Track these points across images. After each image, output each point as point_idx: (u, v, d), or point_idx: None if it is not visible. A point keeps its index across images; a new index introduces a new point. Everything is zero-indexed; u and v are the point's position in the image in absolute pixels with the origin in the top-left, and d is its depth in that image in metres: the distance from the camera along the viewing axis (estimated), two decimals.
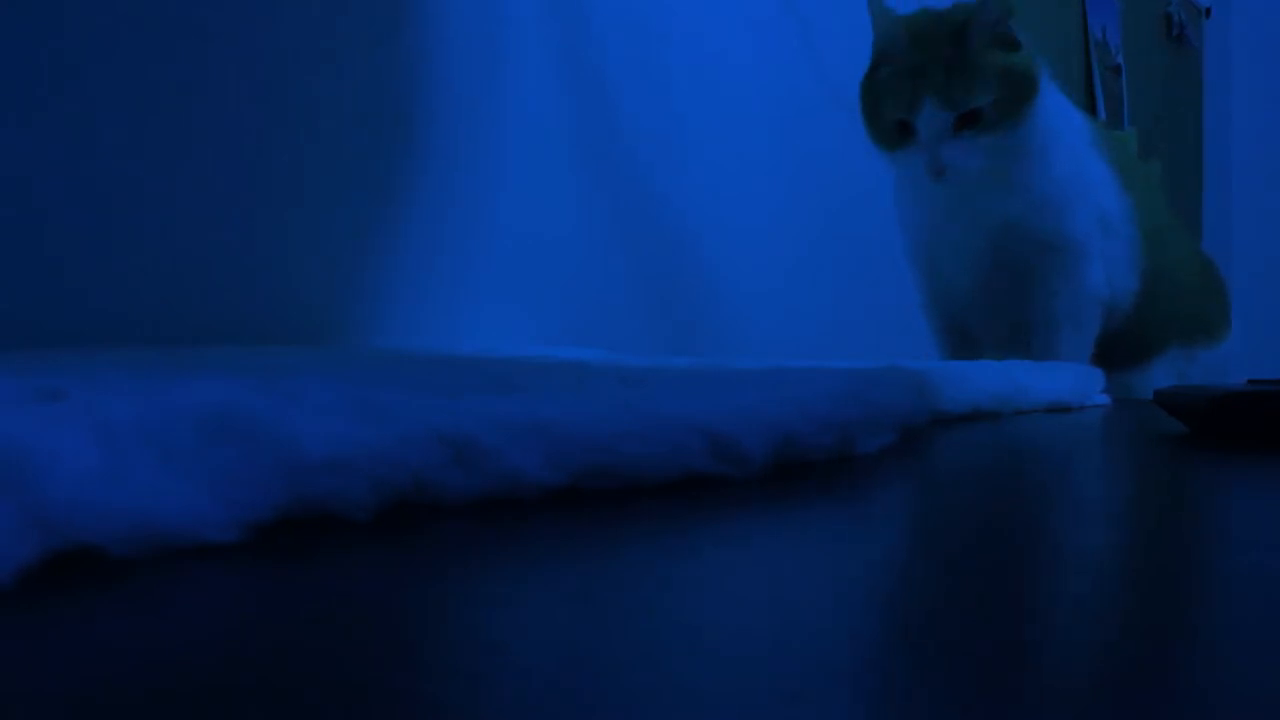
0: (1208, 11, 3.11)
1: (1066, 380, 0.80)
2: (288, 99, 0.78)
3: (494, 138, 0.95)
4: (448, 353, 0.68)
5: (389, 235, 0.86)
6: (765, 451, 0.35)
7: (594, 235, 1.07)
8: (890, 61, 0.96)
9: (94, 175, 0.67)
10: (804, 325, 1.33)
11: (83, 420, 0.22)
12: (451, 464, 0.28)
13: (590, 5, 1.07)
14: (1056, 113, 0.99)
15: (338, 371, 0.41)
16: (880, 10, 0.97)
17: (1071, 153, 0.99)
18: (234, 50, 0.74)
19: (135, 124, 0.69)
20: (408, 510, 0.27)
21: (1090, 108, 2.29)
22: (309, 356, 0.55)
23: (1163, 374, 1.09)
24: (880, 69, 0.97)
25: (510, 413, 0.29)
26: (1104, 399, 0.89)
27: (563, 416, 0.30)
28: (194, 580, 0.21)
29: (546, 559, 0.24)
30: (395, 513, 0.27)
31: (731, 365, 0.62)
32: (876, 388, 0.44)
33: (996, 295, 1.02)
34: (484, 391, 0.31)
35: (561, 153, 1.03)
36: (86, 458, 0.21)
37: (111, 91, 0.68)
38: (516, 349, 0.82)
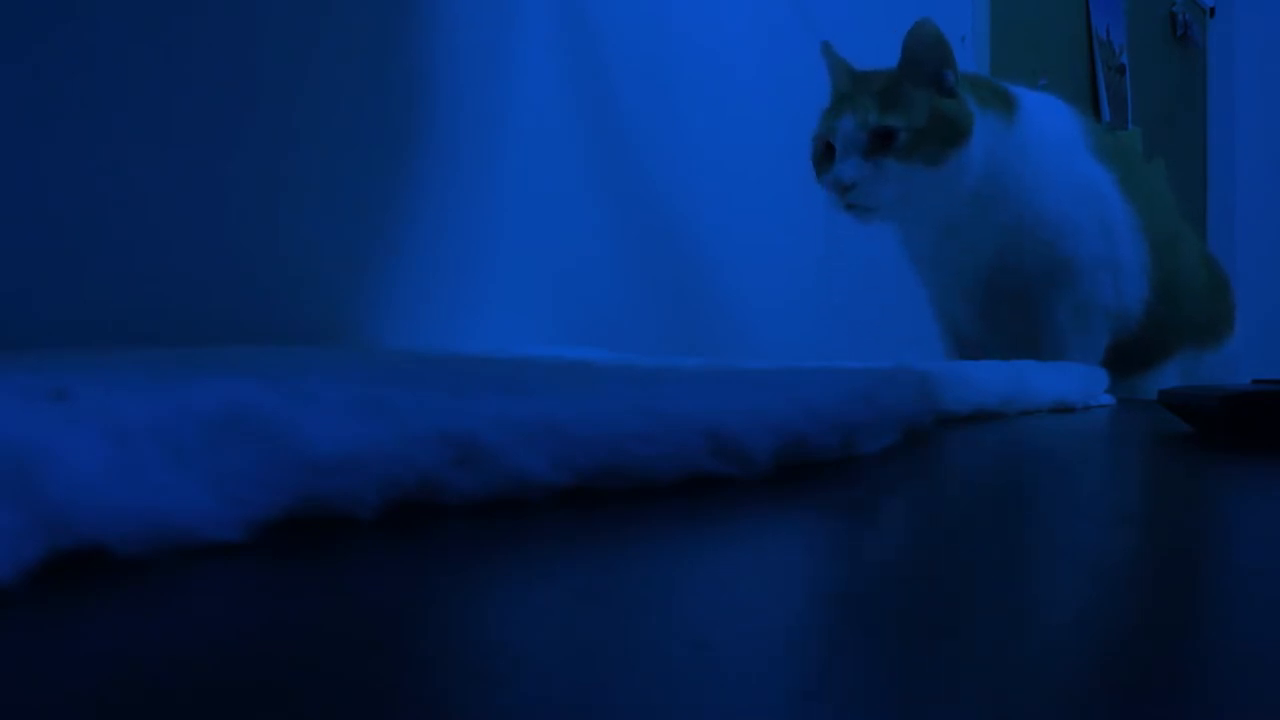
0: (1211, 11, 3.11)
1: (1071, 381, 0.80)
2: (295, 100, 0.78)
3: (501, 138, 0.95)
4: (455, 353, 0.68)
5: (397, 236, 0.86)
6: (771, 452, 0.35)
7: (602, 235, 1.07)
8: (835, 94, 0.97)
9: (104, 177, 0.67)
10: (811, 326, 1.32)
11: (92, 420, 0.22)
12: (459, 464, 0.28)
13: (597, 6, 1.07)
14: (1040, 133, 0.98)
15: (346, 371, 0.41)
16: (831, 55, 0.98)
17: (1062, 170, 0.98)
18: (243, 53, 0.74)
19: (144, 126, 0.69)
20: (415, 510, 0.27)
21: (1094, 108, 2.29)
22: (318, 356, 0.55)
23: (1171, 377, 1.08)
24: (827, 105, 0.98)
25: (517, 413, 0.29)
26: (1109, 399, 0.88)
27: (570, 417, 0.30)
28: (202, 579, 0.21)
29: (553, 558, 0.24)
30: (403, 513, 0.27)
31: (738, 366, 0.62)
32: (883, 389, 0.44)
33: (999, 317, 1.01)
34: (491, 391, 0.31)
35: (569, 153, 1.03)
36: (96, 457, 0.21)
37: (121, 94, 0.68)
38: (524, 349, 0.82)
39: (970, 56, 1.71)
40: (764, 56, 1.31)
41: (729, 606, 0.19)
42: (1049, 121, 1.00)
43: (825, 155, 0.95)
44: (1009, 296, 0.99)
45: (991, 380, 0.68)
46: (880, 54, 0.98)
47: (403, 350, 0.72)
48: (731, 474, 0.34)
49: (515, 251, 0.96)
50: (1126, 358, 1.02)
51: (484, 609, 0.19)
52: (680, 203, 1.17)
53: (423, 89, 0.88)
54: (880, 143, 0.91)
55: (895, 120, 0.91)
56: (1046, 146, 0.98)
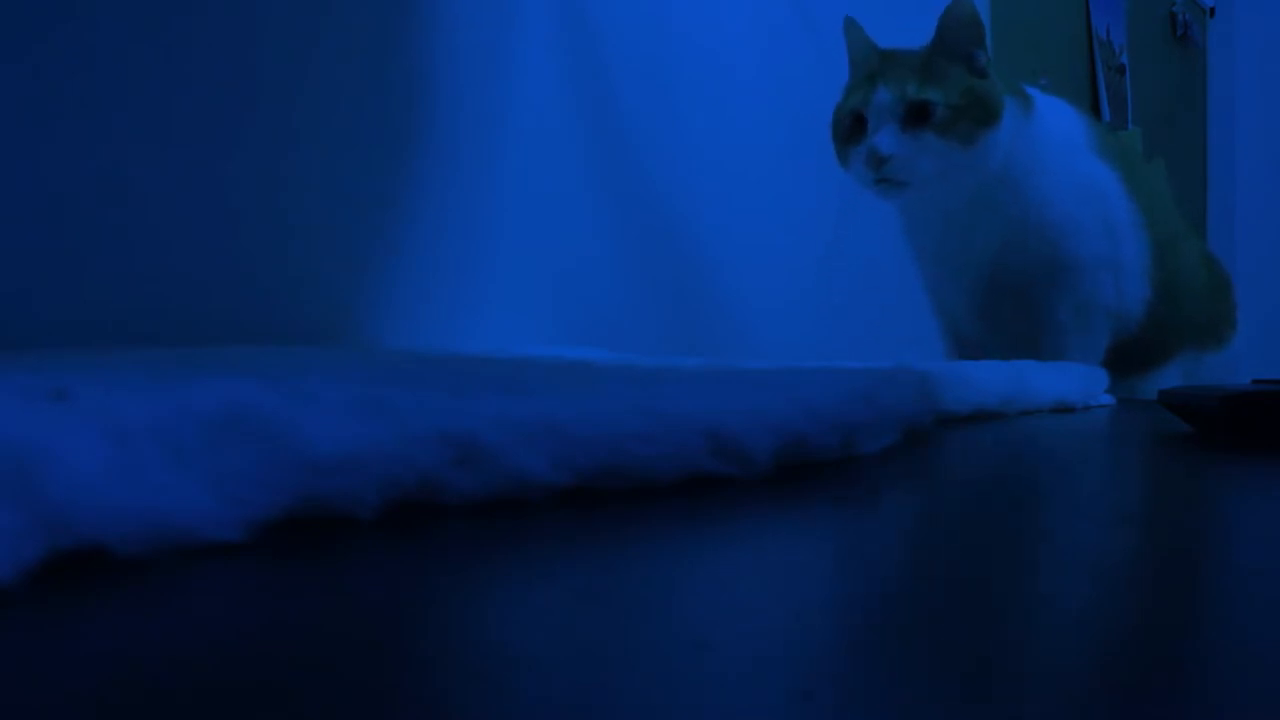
0: (1211, 11, 3.11)
1: (1071, 381, 0.80)
2: (295, 100, 0.78)
3: (501, 138, 0.95)
4: (455, 353, 0.68)
5: (397, 236, 0.86)
6: (771, 452, 0.35)
7: (602, 235, 1.06)
8: (860, 70, 0.97)
9: (104, 177, 0.67)
10: (811, 326, 1.32)
11: (93, 420, 0.22)
12: (459, 464, 0.28)
13: (597, 6, 1.07)
14: (1048, 132, 0.98)
15: (347, 371, 0.41)
16: (855, 31, 0.98)
17: (1068, 170, 0.98)
18: (243, 53, 0.74)
19: (144, 126, 0.69)
20: (415, 510, 0.27)
21: (1094, 108, 2.29)
22: (318, 356, 0.55)
23: (1171, 378, 1.08)
24: (850, 81, 0.99)
25: (518, 413, 0.29)
26: (1109, 399, 0.88)
27: (570, 417, 0.30)
28: (202, 579, 0.21)
29: (553, 558, 0.24)
30: (403, 513, 0.27)
31: (738, 366, 0.62)
32: (883, 389, 0.44)
33: (1000, 315, 1.01)
34: (491, 391, 0.31)
35: (569, 153, 1.03)
36: (96, 457, 0.21)
37: (121, 94, 0.68)
38: (524, 349, 0.82)
39: None
40: (764, 56, 1.31)
41: (729, 606, 0.19)
42: (1056, 120, 1.01)
43: (853, 130, 0.95)
44: (1010, 294, 0.99)
45: (991, 380, 0.68)
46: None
47: (403, 350, 0.72)
48: (731, 474, 0.34)
49: (515, 251, 0.96)
50: (1127, 358, 1.02)
51: (484, 609, 0.19)
52: (680, 203, 1.17)
53: (423, 89, 0.88)
54: (917, 117, 0.91)
55: (934, 94, 0.91)
56: (1054, 144, 0.98)
